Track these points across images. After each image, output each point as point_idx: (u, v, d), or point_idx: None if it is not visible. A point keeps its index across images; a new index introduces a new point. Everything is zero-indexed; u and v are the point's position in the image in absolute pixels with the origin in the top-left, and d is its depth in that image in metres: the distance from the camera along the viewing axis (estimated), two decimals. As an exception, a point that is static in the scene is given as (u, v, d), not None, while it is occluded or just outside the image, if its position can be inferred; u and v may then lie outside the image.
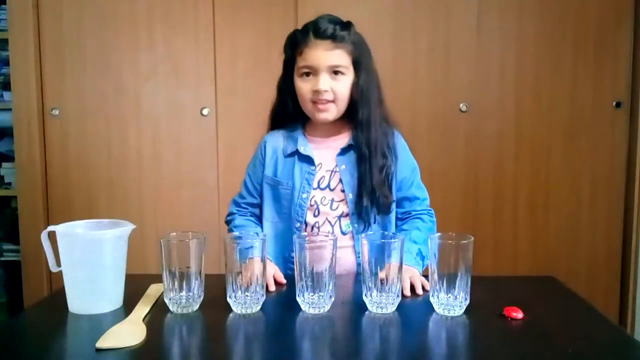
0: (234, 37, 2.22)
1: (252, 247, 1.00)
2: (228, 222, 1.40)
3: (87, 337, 0.89)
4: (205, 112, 2.24)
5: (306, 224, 1.31)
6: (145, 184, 2.27)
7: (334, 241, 1.00)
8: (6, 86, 2.31)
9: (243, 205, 1.39)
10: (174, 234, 1.02)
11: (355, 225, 1.29)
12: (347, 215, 1.30)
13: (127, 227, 1.04)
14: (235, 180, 2.21)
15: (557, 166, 2.25)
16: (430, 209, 1.38)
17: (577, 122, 2.23)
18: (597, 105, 2.22)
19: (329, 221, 1.30)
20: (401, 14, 2.22)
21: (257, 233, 1.26)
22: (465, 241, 0.97)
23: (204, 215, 2.27)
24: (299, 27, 1.31)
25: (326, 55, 1.25)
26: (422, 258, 1.25)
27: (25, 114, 2.20)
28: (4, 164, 2.41)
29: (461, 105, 2.21)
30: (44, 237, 1.03)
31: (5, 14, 2.20)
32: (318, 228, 1.30)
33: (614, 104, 2.21)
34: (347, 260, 1.28)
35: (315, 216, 1.31)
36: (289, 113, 1.35)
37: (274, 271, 1.19)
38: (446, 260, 0.97)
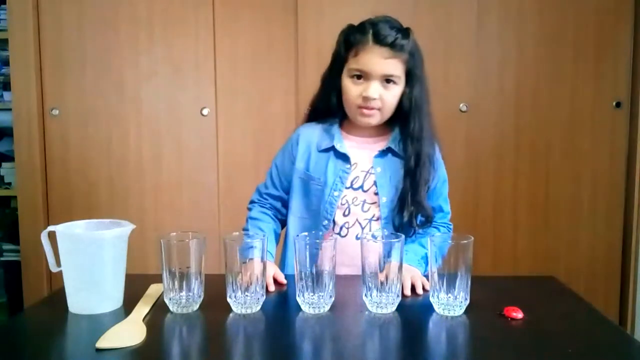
0: (234, 37, 2.22)
1: (252, 247, 1.00)
2: (249, 209, 1.38)
3: (87, 337, 0.89)
4: (205, 112, 2.24)
5: (335, 223, 1.28)
6: (145, 184, 2.27)
7: (334, 241, 1.00)
8: (6, 86, 2.31)
9: (264, 196, 1.37)
10: (174, 234, 1.02)
11: (386, 231, 1.25)
12: (377, 218, 1.28)
13: (127, 227, 1.04)
14: (235, 180, 2.24)
15: (557, 166, 2.25)
16: (450, 223, 1.36)
17: (577, 122, 2.23)
18: (597, 105, 2.22)
19: (359, 223, 1.28)
20: (401, 14, 2.19)
21: (261, 228, 1.26)
22: (465, 241, 0.97)
23: (204, 215, 2.27)
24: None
25: (382, 63, 1.21)
26: (426, 263, 1.23)
27: (25, 114, 2.20)
28: (4, 164, 2.41)
29: (461, 105, 2.21)
30: (44, 237, 1.03)
31: (5, 14, 2.20)
32: (347, 229, 1.28)
33: (614, 104, 2.21)
34: None
35: (345, 216, 1.28)
36: (330, 108, 1.31)
37: (274, 271, 1.19)
38: (446, 260, 0.97)
